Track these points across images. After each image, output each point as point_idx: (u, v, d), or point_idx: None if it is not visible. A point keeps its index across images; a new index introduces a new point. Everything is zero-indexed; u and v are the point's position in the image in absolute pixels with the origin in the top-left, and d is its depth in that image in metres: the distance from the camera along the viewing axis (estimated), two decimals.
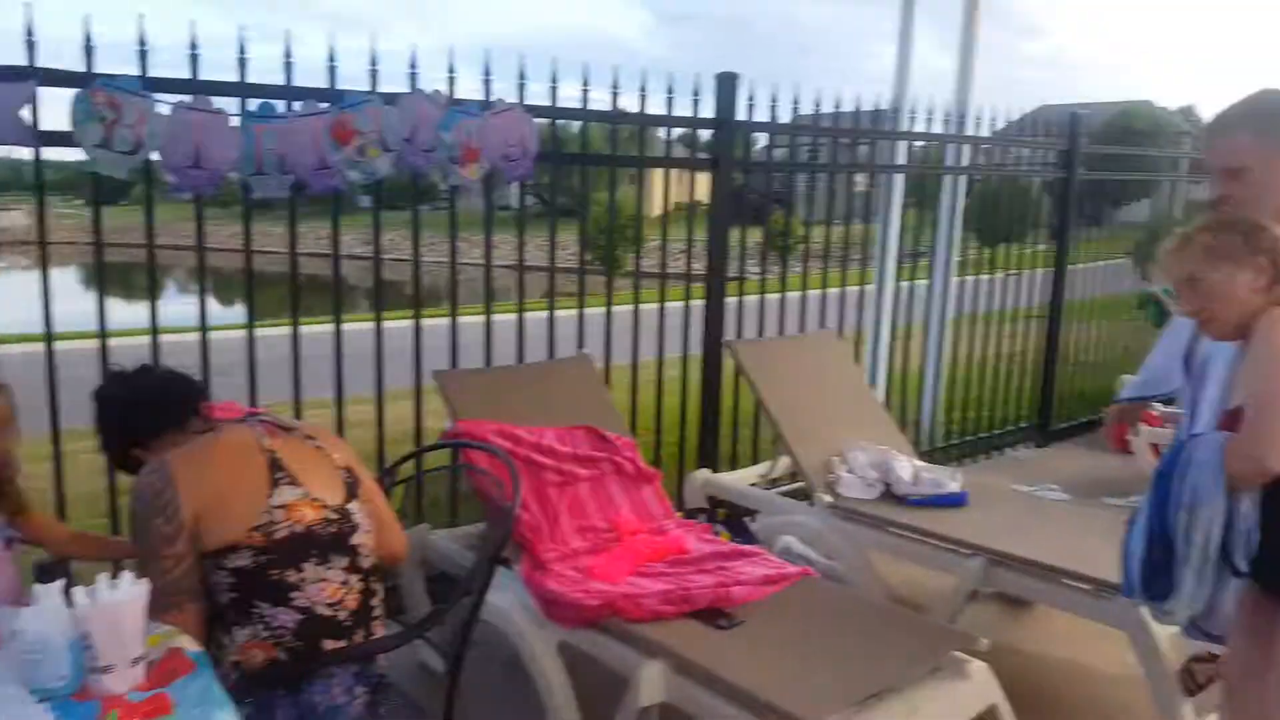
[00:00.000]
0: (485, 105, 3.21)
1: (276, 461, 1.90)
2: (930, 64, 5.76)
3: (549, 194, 3.85)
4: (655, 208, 4.81)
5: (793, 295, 4.67)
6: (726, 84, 3.89)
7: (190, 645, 1.64)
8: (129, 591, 1.50)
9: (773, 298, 4.48)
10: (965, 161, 5.37)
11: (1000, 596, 3.60)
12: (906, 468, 3.70)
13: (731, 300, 4.33)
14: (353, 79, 2.95)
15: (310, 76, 2.93)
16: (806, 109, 4.29)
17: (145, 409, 1.95)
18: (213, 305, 3.19)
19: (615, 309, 3.89)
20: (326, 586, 1.89)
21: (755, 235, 4.73)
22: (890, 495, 3.61)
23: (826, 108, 4.39)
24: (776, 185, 5.16)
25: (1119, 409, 2.87)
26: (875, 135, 4.85)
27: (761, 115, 4.06)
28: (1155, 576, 1.96)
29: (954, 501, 3.54)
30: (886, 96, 4.95)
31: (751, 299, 4.42)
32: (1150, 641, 2.67)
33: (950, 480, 3.61)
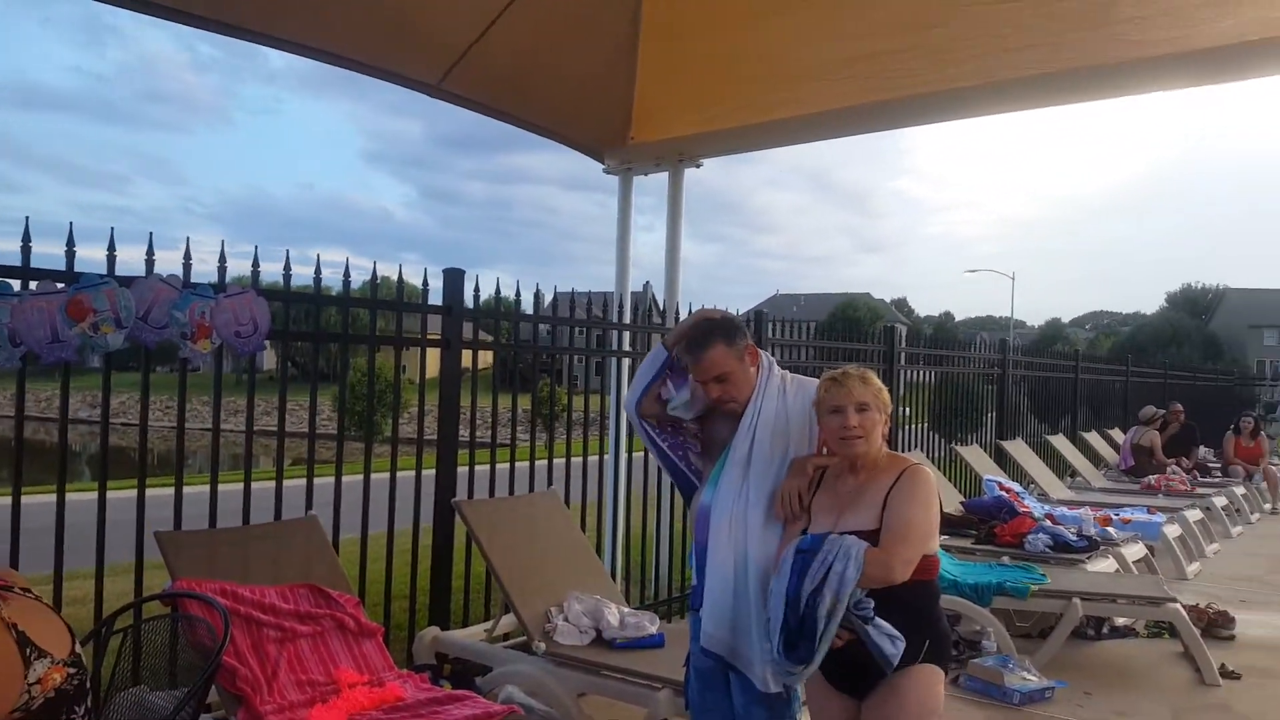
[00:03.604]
0: (218, 288, 3.50)
1: (23, 636, 1.95)
2: (688, 252, 6.67)
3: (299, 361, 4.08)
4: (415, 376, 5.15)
5: (544, 462, 5.08)
6: (454, 276, 4.41)
7: None
8: None
9: (524, 464, 4.90)
10: None
11: None
12: (615, 615, 4.11)
13: (483, 467, 4.70)
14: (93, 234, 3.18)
15: (46, 231, 3.13)
16: (535, 291, 4.92)
17: None
18: None
19: (351, 478, 4.13)
20: None
21: (524, 403, 5.18)
22: (601, 640, 4.01)
23: (575, 289, 5.04)
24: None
25: None
26: (578, 323, 5.30)
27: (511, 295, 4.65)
28: (795, 642, 2.39)
29: (653, 643, 3.98)
30: (644, 281, 5.74)
31: (503, 466, 4.83)
32: None
33: (650, 625, 4.07)
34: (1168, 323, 62.85)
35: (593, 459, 5.59)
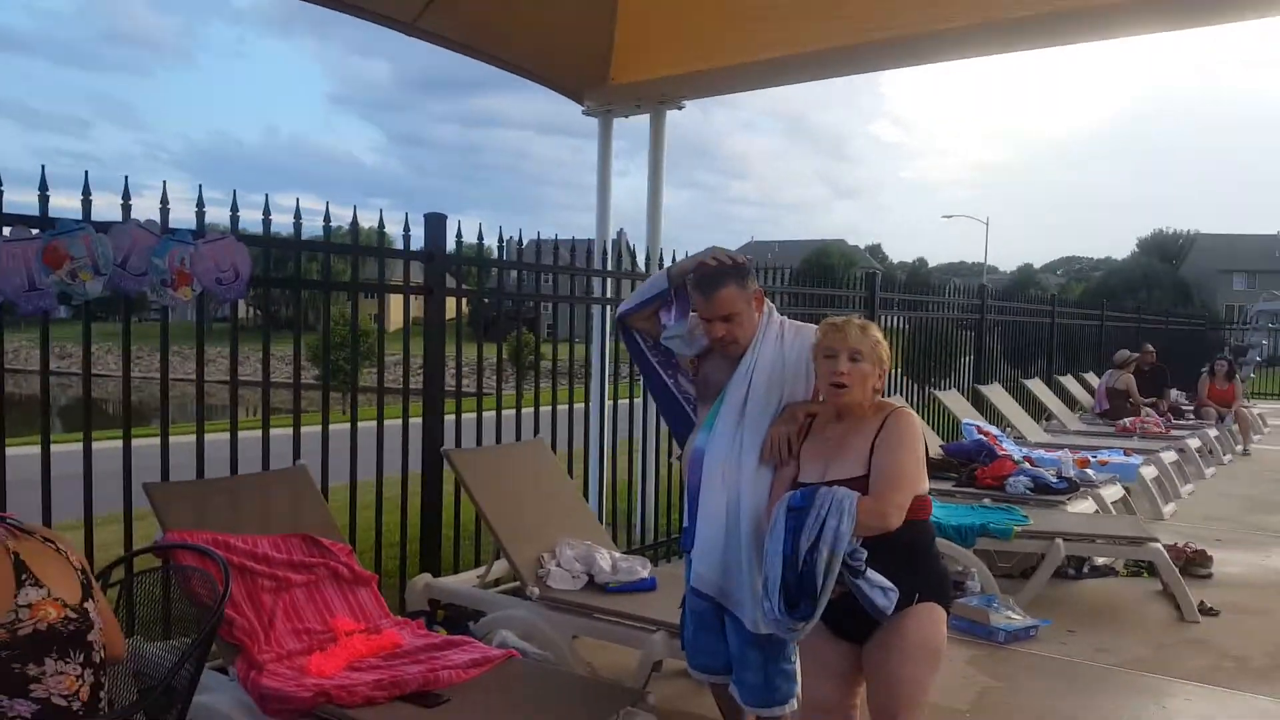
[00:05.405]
0: (198, 234, 3.40)
1: (21, 563, 2.02)
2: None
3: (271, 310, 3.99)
4: (393, 324, 5.07)
5: (527, 410, 5.05)
6: (436, 221, 4.31)
7: None
8: None
9: (508, 413, 4.88)
10: None
11: None
12: (607, 559, 4.13)
13: (469, 416, 4.65)
14: (57, 181, 3.05)
15: (9, 177, 2.96)
16: (514, 238, 4.85)
17: None
18: None
19: (337, 427, 4.08)
20: (64, 679, 2.02)
21: (503, 351, 5.11)
22: (594, 585, 4.02)
23: (553, 236, 4.99)
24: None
25: None
26: (561, 270, 5.16)
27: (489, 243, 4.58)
28: (796, 600, 2.37)
29: (646, 586, 4.00)
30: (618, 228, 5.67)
31: (489, 414, 4.79)
32: None
33: (642, 569, 4.08)
34: (1139, 268, 63.38)
35: (577, 406, 5.57)
